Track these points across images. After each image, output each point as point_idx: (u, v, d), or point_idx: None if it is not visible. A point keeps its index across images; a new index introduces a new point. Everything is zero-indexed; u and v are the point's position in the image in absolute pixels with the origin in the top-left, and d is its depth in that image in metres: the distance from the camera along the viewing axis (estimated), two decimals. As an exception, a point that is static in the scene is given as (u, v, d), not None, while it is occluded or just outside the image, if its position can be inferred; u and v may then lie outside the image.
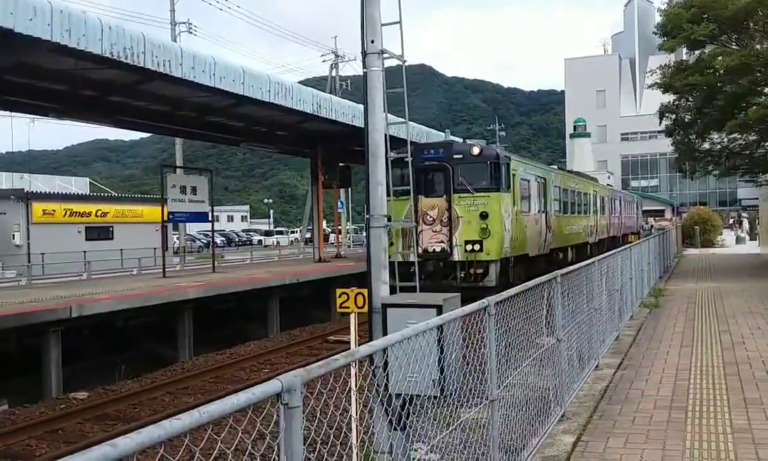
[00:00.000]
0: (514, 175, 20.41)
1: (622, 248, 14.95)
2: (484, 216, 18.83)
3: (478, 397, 5.40)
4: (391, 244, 19.13)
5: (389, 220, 8.54)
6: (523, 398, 6.40)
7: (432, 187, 19.49)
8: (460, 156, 19.28)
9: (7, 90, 15.97)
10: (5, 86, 15.55)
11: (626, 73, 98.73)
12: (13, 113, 27.47)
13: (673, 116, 31.38)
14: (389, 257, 20.62)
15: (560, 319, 7.54)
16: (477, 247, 18.69)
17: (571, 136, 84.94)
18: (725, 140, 30.72)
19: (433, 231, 19.37)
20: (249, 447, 2.71)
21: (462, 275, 19.08)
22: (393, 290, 8.41)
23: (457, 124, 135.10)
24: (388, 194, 21.36)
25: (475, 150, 19.20)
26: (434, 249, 19.37)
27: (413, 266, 18.36)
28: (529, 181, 22.43)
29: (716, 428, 7.05)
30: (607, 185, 45.63)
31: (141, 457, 2.06)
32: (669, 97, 30.84)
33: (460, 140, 23.16)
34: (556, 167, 31.18)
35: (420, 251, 18.68)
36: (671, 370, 9.83)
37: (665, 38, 27.58)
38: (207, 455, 2.69)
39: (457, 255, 19.06)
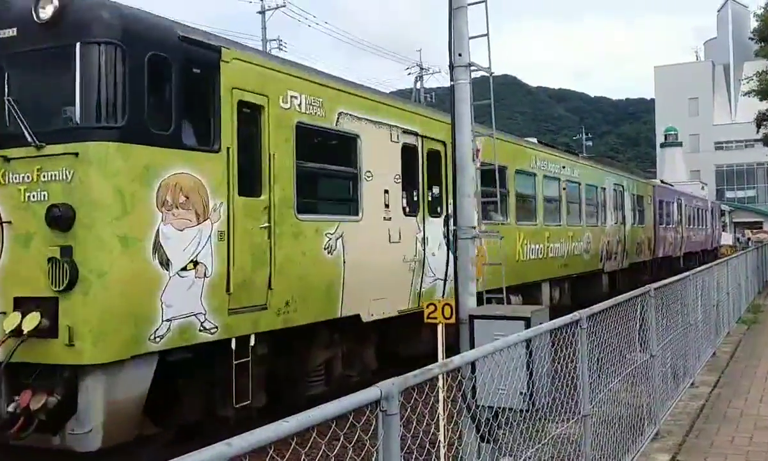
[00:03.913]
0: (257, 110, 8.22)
1: (714, 263, 14.17)
2: (58, 221, 6.72)
3: (566, 412, 5.35)
4: None
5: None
6: (615, 414, 6.29)
7: None
8: (12, 32, 7.26)
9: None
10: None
11: (720, 80, 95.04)
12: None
13: (772, 124, 30.10)
14: None
15: (654, 334, 7.37)
16: (42, 321, 6.57)
17: (662, 145, 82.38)
18: (829, 148, 29.26)
19: None
20: (350, 452, 2.80)
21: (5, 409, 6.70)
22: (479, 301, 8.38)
23: (543, 134, 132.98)
24: None
25: (45, 10, 6.97)
26: None
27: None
28: (355, 138, 9.94)
29: (823, 451, 6.73)
30: (663, 182, 33.18)
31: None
32: (767, 105, 29.59)
33: None
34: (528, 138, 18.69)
35: None
36: (772, 389, 9.43)
37: (762, 44, 26.60)
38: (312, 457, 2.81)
39: None
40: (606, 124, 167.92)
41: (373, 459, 2.73)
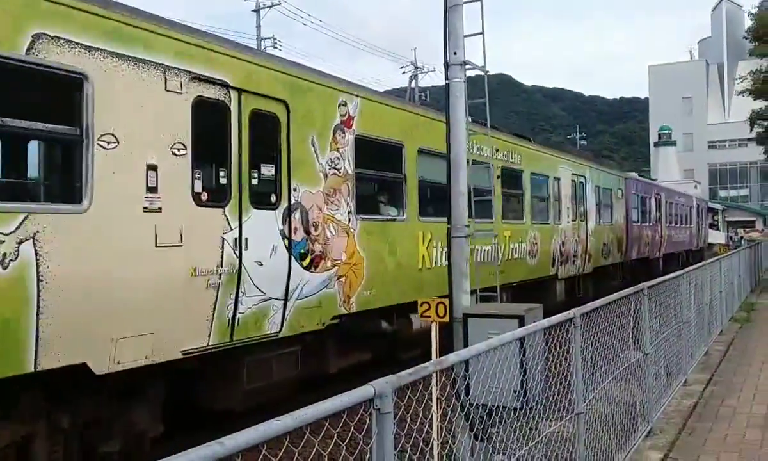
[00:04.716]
0: None
1: (710, 260, 14.24)
2: None
3: (560, 410, 5.36)
4: None
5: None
6: (608, 412, 6.31)
7: None
8: None
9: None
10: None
11: (714, 79, 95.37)
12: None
13: (766, 123, 30.22)
14: None
15: (648, 332, 7.38)
16: None
17: (656, 144, 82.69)
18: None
19: None
20: (343, 450, 2.80)
21: None
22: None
23: (537, 133, 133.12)
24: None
25: None
26: None
27: None
28: (78, 80, 6.16)
29: (815, 449, 6.75)
30: (639, 176, 29.10)
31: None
32: (761, 104, 29.71)
33: None
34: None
35: None
36: (765, 387, 9.47)
37: (756, 43, 26.71)
38: (305, 456, 2.82)
39: None
40: (600, 123, 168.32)
41: (367, 457, 2.73)
